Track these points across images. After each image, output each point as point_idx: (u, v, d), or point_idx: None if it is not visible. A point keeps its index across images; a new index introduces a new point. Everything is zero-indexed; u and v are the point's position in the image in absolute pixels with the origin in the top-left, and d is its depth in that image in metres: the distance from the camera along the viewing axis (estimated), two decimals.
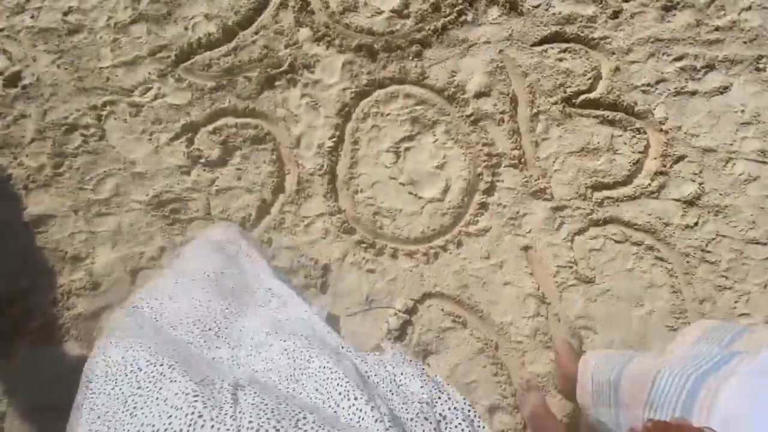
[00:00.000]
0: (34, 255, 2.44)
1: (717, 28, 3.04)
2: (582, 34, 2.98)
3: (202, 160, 2.61)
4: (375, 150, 2.73)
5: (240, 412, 0.88)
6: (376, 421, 0.92)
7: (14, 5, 2.79)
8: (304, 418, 0.87)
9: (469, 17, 2.98)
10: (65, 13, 2.81)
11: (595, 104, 2.87)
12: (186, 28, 2.84)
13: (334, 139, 2.72)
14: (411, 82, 2.85)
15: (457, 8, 2.97)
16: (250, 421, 0.85)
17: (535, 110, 2.82)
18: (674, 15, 3.07)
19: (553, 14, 3.01)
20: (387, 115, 2.77)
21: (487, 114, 2.82)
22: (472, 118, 2.79)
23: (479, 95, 2.84)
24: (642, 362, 1.35)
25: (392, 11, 2.95)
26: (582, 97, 2.88)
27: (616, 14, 3.04)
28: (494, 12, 3.01)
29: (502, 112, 2.81)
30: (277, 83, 2.78)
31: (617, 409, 1.36)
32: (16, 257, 2.43)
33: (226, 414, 0.87)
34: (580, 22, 3.00)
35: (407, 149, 2.74)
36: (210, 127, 2.67)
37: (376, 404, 0.98)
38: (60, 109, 2.65)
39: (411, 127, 2.75)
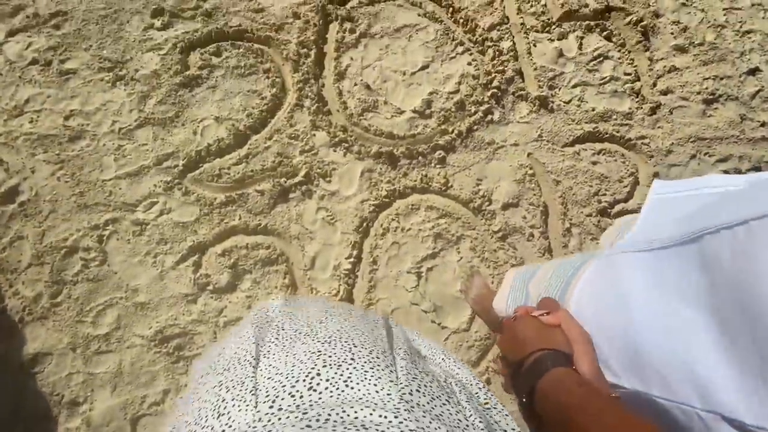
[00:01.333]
0: (29, 399, 1.81)
1: (763, 124, 2.26)
2: (618, 134, 2.22)
3: (210, 287, 1.94)
4: (395, 271, 2.03)
5: (256, 387, 0.61)
6: (390, 381, 0.61)
7: (12, 107, 2.10)
8: (318, 375, 0.61)
9: (496, 116, 2.23)
10: (67, 117, 2.11)
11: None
12: (195, 132, 2.13)
13: (351, 259, 2.03)
14: (434, 191, 2.12)
15: (483, 106, 2.22)
16: (267, 394, 0.59)
17: (567, 224, 2.09)
18: (716, 109, 2.29)
19: (586, 111, 2.25)
20: (408, 230, 2.06)
21: (515, 228, 2.10)
22: (499, 233, 2.07)
23: (507, 206, 2.11)
24: (552, 262, 1.13)
25: (414, 111, 2.21)
26: (618, 207, 2.14)
27: (653, 110, 2.27)
28: (523, 109, 2.25)
29: (532, 227, 2.08)
30: (291, 195, 2.08)
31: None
32: (9, 401, 1.81)
33: (246, 389, 0.61)
34: (616, 119, 2.24)
35: (429, 269, 2.04)
36: (219, 249, 1.99)
37: (394, 364, 0.68)
38: (59, 228, 1.98)
39: (434, 243, 2.04)
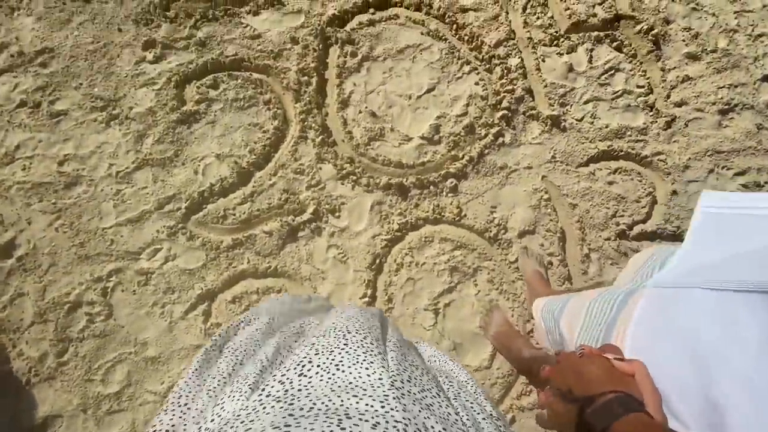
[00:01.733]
0: None
1: None
2: (633, 151, 2.01)
3: None
4: (411, 309, 1.84)
5: (257, 382, 0.57)
6: (382, 367, 0.56)
7: (2, 155, 1.88)
8: (309, 362, 0.57)
9: (507, 138, 2.02)
10: (61, 163, 1.89)
11: (652, 237, 1.94)
12: (196, 172, 1.91)
13: (365, 299, 1.84)
14: (447, 221, 1.92)
15: (493, 129, 2.01)
16: (259, 386, 0.55)
17: (586, 249, 1.90)
18: (732, 119, 2.08)
19: (600, 128, 2.03)
20: (423, 264, 1.87)
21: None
22: (517, 263, 1.88)
23: (523, 234, 1.92)
24: (582, 295, 1.00)
25: (422, 137, 2.00)
26: (637, 228, 1.95)
27: (668, 124, 2.06)
28: (534, 129, 2.04)
29: (550, 254, 1.89)
30: (300, 234, 1.88)
31: (562, 347, 1.01)
32: None
33: (246, 383, 0.56)
34: (630, 135, 2.03)
35: (447, 305, 1.85)
36: (228, 295, 1.80)
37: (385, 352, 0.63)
38: (61, 282, 1.78)
39: (450, 277, 1.85)
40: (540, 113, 2.06)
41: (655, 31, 2.19)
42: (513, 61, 2.12)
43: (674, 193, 1.99)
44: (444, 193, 1.94)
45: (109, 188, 1.87)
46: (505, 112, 2.04)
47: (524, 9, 2.22)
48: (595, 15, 2.22)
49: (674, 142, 2.06)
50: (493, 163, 1.99)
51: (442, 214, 1.91)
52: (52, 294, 1.76)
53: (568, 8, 2.22)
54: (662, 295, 0.73)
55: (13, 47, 2.01)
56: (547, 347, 1.16)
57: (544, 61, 2.15)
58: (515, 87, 2.07)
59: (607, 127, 2.06)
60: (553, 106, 2.08)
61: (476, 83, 2.09)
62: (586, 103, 2.10)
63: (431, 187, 1.94)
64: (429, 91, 2.08)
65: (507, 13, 2.21)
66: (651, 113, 2.09)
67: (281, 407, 0.46)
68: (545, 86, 2.10)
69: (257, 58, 2.06)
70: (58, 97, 1.97)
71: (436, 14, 2.19)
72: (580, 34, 2.20)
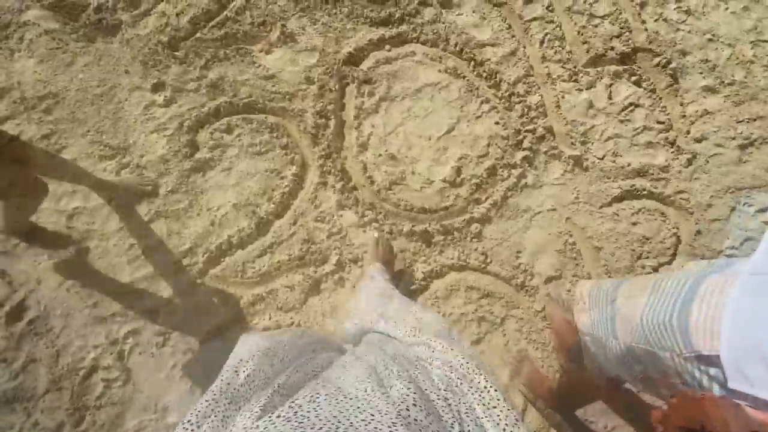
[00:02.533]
0: None
1: None
2: (656, 190, 1.75)
3: None
4: None
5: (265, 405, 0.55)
6: (386, 404, 0.51)
7: None
8: (317, 394, 0.52)
9: (530, 179, 1.75)
10: (70, 216, 1.60)
11: None
12: (212, 223, 1.63)
13: None
14: (472, 268, 1.66)
15: (515, 170, 1.74)
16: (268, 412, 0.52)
17: None
18: (751, 153, 1.84)
19: (622, 167, 1.77)
20: (450, 314, 1.61)
21: None
22: (544, 311, 1.63)
23: (550, 280, 1.66)
24: (640, 277, 0.95)
25: (444, 181, 1.72)
26: (663, 270, 1.70)
27: (689, 161, 1.80)
28: (557, 169, 1.77)
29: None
30: (323, 286, 1.61)
31: (612, 321, 0.86)
32: None
33: (256, 406, 0.55)
34: (652, 174, 1.77)
35: None
36: None
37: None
38: (74, 346, 1.50)
39: (478, 328, 1.60)
40: (562, 152, 1.79)
41: (673, 64, 1.92)
42: (533, 99, 1.84)
43: (698, 232, 1.74)
44: (468, 239, 1.67)
45: (122, 243, 1.58)
46: (527, 152, 1.77)
47: (542, 43, 1.93)
48: (612, 48, 1.93)
49: (696, 179, 1.81)
50: (517, 206, 1.72)
51: (467, 260, 1.65)
52: (66, 359, 1.48)
53: (586, 41, 1.94)
54: (765, 281, 0.64)
55: (14, 92, 1.69)
56: (584, 323, 0.97)
57: (563, 97, 1.87)
58: (536, 126, 1.80)
59: (629, 165, 1.80)
60: (574, 144, 1.80)
61: (496, 122, 1.81)
62: (607, 140, 1.83)
63: (455, 233, 1.67)
64: (449, 131, 1.80)
65: (524, 47, 1.92)
66: (672, 150, 1.83)
67: (291, 426, 0.44)
68: (566, 124, 1.83)
69: (272, 100, 1.76)
70: (65, 146, 1.66)
71: (453, 50, 1.89)
72: (599, 69, 1.92)
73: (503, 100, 1.84)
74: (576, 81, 1.90)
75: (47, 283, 1.54)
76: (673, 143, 1.84)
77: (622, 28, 1.98)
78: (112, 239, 1.59)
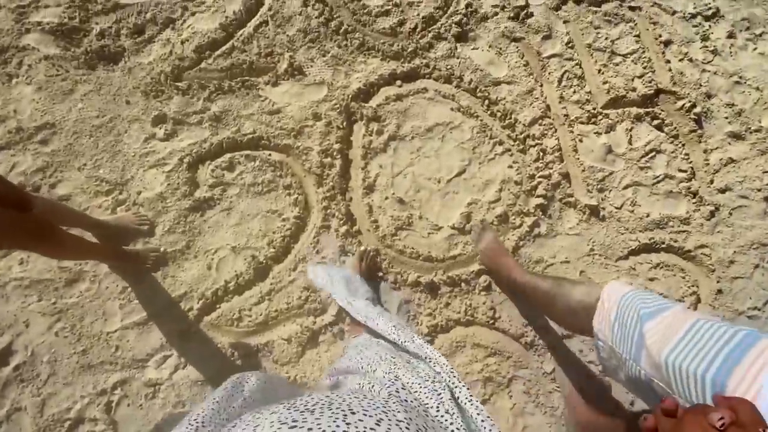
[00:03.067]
0: None
1: None
2: (675, 244, 1.53)
3: None
4: None
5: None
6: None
7: None
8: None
9: (543, 228, 1.53)
10: None
11: None
12: (209, 267, 1.43)
13: None
14: (480, 323, 1.45)
15: (528, 218, 1.52)
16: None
17: None
18: None
19: (640, 217, 1.54)
20: None
21: None
22: (554, 373, 1.42)
23: (562, 339, 1.45)
24: (678, 311, 0.71)
25: (452, 227, 1.51)
26: None
27: (712, 213, 1.57)
28: (572, 218, 1.55)
29: (590, 362, 1.43)
30: (321, 338, 1.41)
31: (639, 349, 0.71)
32: None
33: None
34: (672, 226, 1.54)
35: None
36: None
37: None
38: (61, 395, 1.32)
39: (483, 389, 1.40)
40: (578, 201, 1.56)
41: (697, 108, 1.68)
42: (549, 143, 1.61)
43: (719, 291, 1.52)
44: (477, 291, 1.46)
45: (114, 285, 1.40)
46: (541, 199, 1.55)
47: (560, 81, 1.70)
48: (634, 89, 1.70)
49: (718, 233, 1.58)
50: (529, 257, 1.51)
51: (475, 315, 1.44)
52: (52, 409, 1.30)
53: (606, 81, 1.70)
54: None
55: (11, 122, 1.50)
56: (604, 334, 0.81)
57: (581, 141, 1.64)
58: (551, 171, 1.57)
59: (647, 216, 1.57)
60: (591, 192, 1.58)
61: (509, 166, 1.59)
62: (625, 188, 1.60)
63: (462, 285, 1.46)
64: (459, 174, 1.58)
65: (542, 86, 1.69)
66: (694, 201, 1.60)
67: (286, 407, 0.39)
68: (583, 170, 1.60)
69: (276, 136, 1.55)
70: (60, 180, 1.47)
71: (467, 87, 1.67)
72: (619, 111, 1.68)
73: (518, 143, 1.62)
74: (595, 123, 1.67)
75: (35, 326, 1.36)
76: (695, 193, 1.61)
77: (645, 67, 1.74)
78: (105, 282, 1.40)
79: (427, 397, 0.52)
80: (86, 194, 1.47)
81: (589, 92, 1.70)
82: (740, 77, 1.78)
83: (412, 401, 0.48)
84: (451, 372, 0.58)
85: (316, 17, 1.69)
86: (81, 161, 1.49)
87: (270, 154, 1.55)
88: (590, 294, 0.87)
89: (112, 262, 1.38)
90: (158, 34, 1.64)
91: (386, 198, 1.54)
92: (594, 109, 1.68)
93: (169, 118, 1.54)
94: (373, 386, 0.54)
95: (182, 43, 1.62)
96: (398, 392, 0.49)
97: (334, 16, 1.70)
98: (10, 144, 1.49)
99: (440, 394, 0.52)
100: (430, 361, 0.61)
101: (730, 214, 1.60)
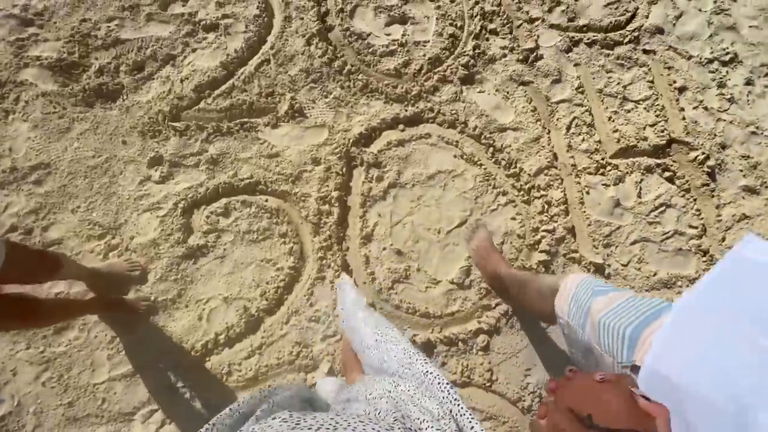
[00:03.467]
0: None
1: None
2: None
3: None
4: None
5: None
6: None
7: None
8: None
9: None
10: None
11: None
12: (200, 318, 1.38)
13: None
14: (476, 385, 1.39)
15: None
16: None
17: None
18: None
19: (647, 276, 1.48)
20: None
21: None
22: None
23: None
24: (629, 291, 0.80)
25: (451, 282, 1.44)
26: None
27: None
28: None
29: None
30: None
31: (586, 316, 0.79)
32: None
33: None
34: (680, 286, 1.47)
35: None
36: None
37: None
38: None
39: None
40: (582, 257, 1.49)
41: (711, 161, 1.59)
42: (554, 194, 1.54)
43: None
44: (474, 351, 1.40)
45: (103, 335, 1.35)
46: (545, 255, 1.47)
47: (568, 129, 1.62)
48: (645, 139, 1.62)
49: None
50: (528, 319, 1.43)
51: (471, 377, 1.37)
52: None
53: (617, 129, 1.62)
54: (709, 320, 0.59)
55: (5, 161, 1.46)
56: (562, 309, 0.89)
57: (588, 193, 1.56)
58: (556, 225, 1.50)
59: (654, 274, 1.49)
60: (596, 248, 1.50)
61: (513, 218, 1.52)
62: (633, 244, 1.52)
63: (460, 344, 1.40)
64: (460, 224, 1.51)
65: (549, 133, 1.61)
66: (704, 259, 1.52)
67: (288, 425, 0.42)
68: (589, 224, 1.52)
69: (274, 181, 1.50)
70: (53, 222, 1.43)
71: (472, 133, 1.60)
72: (629, 161, 1.60)
73: (522, 193, 1.55)
74: (603, 174, 1.59)
75: (23, 374, 1.32)
76: (705, 252, 1.52)
77: (657, 115, 1.65)
78: (94, 330, 1.36)
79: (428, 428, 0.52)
80: (79, 238, 1.42)
81: (599, 141, 1.62)
82: (757, 127, 1.69)
83: (416, 430, 0.49)
84: (456, 401, 0.57)
85: (319, 56, 1.63)
86: (75, 203, 1.45)
87: (267, 200, 1.50)
88: (559, 281, 0.94)
89: (102, 312, 1.34)
90: (158, 71, 1.59)
91: (384, 249, 1.48)
92: (603, 159, 1.60)
93: (165, 160, 1.49)
94: (378, 412, 0.54)
95: (182, 81, 1.57)
96: (403, 419, 0.49)
97: (338, 55, 1.64)
98: (3, 184, 1.45)
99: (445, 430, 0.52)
100: (438, 383, 0.61)
101: None
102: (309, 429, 0.41)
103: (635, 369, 0.62)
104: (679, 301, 0.64)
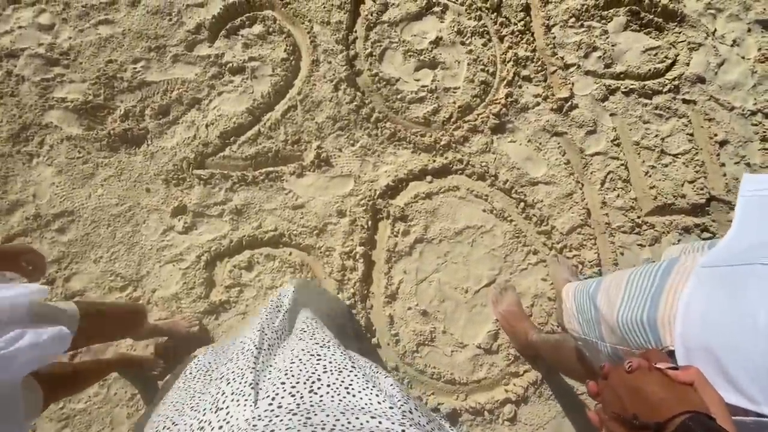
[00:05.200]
0: None
1: None
2: None
3: None
4: None
5: (257, 380, 0.47)
6: (390, 396, 0.46)
7: None
8: (318, 379, 0.46)
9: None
10: (72, 356, 1.28)
11: None
12: None
13: None
14: None
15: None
16: (266, 391, 0.44)
17: None
18: None
19: None
20: None
21: None
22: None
23: None
24: (617, 272, 0.78)
25: (478, 347, 1.32)
26: None
27: None
28: None
29: None
30: None
31: (598, 324, 0.74)
32: None
33: (245, 383, 0.45)
34: None
35: None
36: None
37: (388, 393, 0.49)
38: None
39: None
40: None
41: None
42: (587, 255, 1.40)
43: None
44: (500, 422, 1.28)
45: (122, 391, 1.26)
46: None
47: (602, 183, 1.48)
48: (684, 196, 1.47)
49: None
50: (558, 384, 1.31)
51: None
52: None
53: (653, 186, 1.48)
54: (717, 274, 0.57)
55: (29, 207, 1.37)
56: (575, 329, 0.84)
57: (622, 254, 1.42)
58: None
59: None
60: None
61: (543, 279, 1.39)
62: None
63: (486, 414, 1.28)
64: (488, 284, 1.39)
65: (582, 187, 1.47)
66: None
67: (299, 420, 0.37)
68: None
69: (299, 234, 1.39)
70: (75, 272, 1.33)
71: (502, 187, 1.47)
72: (666, 219, 1.46)
73: (553, 252, 1.41)
74: (638, 233, 1.45)
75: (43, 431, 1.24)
76: None
77: (697, 171, 1.50)
78: (114, 387, 1.27)
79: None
80: (101, 289, 1.33)
81: (635, 198, 1.48)
82: None
83: (424, 424, 0.45)
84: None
85: (347, 103, 1.50)
86: (97, 253, 1.36)
87: (290, 253, 1.39)
88: None
89: (123, 368, 1.25)
90: (183, 116, 1.48)
91: (409, 308, 1.36)
92: (638, 217, 1.46)
93: (189, 210, 1.39)
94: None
95: (207, 126, 1.46)
96: (411, 413, 0.45)
97: (366, 102, 1.51)
98: (27, 231, 1.36)
99: None
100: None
101: None
102: (322, 426, 0.36)
103: (671, 354, 0.57)
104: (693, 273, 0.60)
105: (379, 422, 0.38)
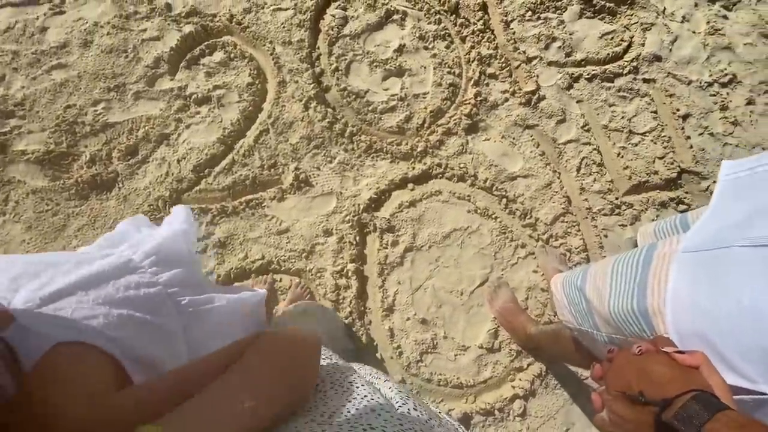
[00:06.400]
0: None
1: None
2: None
3: None
4: None
5: None
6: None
7: None
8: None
9: None
10: None
11: None
12: None
13: None
14: None
15: None
16: None
17: None
18: None
19: None
20: None
21: None
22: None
23: None
24: (601, 262, 0.77)
25: (480, 347, 1.29)
26: None
27: None
28: None
29: None
30: None
31: (591, 315, 0.73)
32: None
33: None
34: None
35: None
36: None
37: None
38: None
39: None
40: None
41: None
42: (573, 242, 1.38)
43: None
44: (511, 418, 1.24)
45: None
46: None
47: (578, 170, 1.46)
48: (656, 172, 1.46)
49: None
50: (562, 373, 1.28)
51: None
52: None
53: (627, 166, 1.47)
54: (698, 259, 0.56)
55: None
56: (569, 320, 0.84)
57: (606, 236, 1.41)
58: None
59: None
60: None
61: (534, 271, 1.36)
62: None
63: (496, 413, 1.24)
64: (482, 283, 1.35)
65: (559, 175, 1.45)
66: None
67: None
68: None
69: (287, 259, 1.32)
70: None
71: (483, 186, 1.43)
72: (642, 197, 1.45)
73: (540, 243, 1.39)
74: (619, 214, 1.44)
75: None
76: None
77: (665, 147, 1.50)
78: None
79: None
80: None
81: (611, 181, 1.47)
82: (763, 147, 1.54)
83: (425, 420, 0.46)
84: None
85: (319, 120, 1.44)
86: None
87: (281, 279, 1.32)
88: None
89: None
90: (152, 153, 1.40)
91: (407, 319, 1.31)
92: (617, 198, 1.45)
93: None
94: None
95: (179, 161, 1.38)
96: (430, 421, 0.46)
97: (338, 117, 1.46)
98: None
99: None
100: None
101: None
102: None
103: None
104: (675, 257, 0.59)
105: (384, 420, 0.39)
